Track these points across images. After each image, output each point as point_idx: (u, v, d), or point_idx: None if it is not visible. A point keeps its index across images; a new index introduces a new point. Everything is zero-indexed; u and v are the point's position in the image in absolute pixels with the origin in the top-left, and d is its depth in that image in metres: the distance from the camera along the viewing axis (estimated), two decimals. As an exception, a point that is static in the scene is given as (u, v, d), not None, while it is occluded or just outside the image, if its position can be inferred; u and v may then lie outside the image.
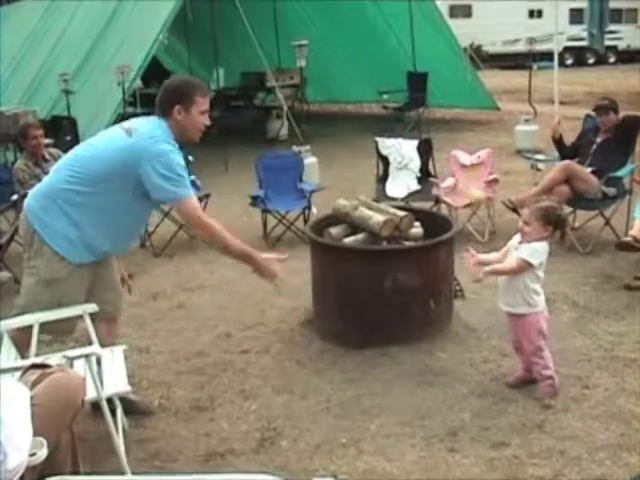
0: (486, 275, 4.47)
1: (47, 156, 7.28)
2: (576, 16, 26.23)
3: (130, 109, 11.29)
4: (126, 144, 3.94)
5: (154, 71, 15.33)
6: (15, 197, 6.86)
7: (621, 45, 30.53)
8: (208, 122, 4.17)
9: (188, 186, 4.00)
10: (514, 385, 4.61)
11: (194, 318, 5.96)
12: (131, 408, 4.40)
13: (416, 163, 8.20)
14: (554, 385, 4.49)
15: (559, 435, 4.09)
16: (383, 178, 8.28)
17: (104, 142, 4.08)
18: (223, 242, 4.03)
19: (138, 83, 12.50)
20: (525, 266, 4.35)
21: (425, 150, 8.26)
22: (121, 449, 3.72)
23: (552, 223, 4.37)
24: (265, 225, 7.92)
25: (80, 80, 11.23)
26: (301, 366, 5.03)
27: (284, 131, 13.68)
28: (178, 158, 3.95)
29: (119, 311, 4.54)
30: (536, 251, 4.35)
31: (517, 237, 4.51)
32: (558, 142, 7.68)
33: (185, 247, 7.77)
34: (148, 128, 4.00)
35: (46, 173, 7.03)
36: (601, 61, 29.10)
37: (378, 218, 5.38)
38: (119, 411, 4.11)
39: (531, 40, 15.56)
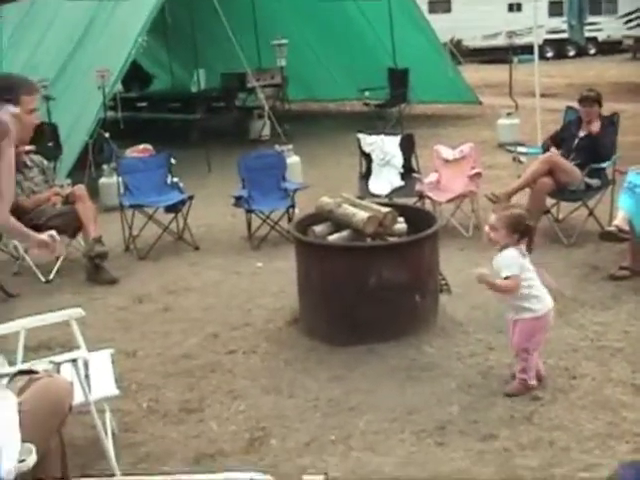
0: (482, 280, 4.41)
1: (29, 163, 7.25)
2: (555, 8, 26.34)
3: (111, 113, 11.25)
4: None
5: (135, 75, 15.31)
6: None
7: (601, 36, 30.60)
8: (37, 121, 3.96)
9: None
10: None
11: (180, 320, 5.94)
12: None
13: (399, 159, 8.21)
14: (525, 387, 4.45)
15: (548, 426, 4.11)
16: (366, 175, 8.29)
17: None
18: None
19: (119, 87, 12.44)
20: (512, 283, 4.30)
21: (407, 146, 8.27)
22: (111, 453, 3.72)
23: (518, 232, 4.35)
24: (249, 225, 7.90)
25: (60, 85, 11.16)
26: (288, 365, 5.03)
27: (266, 131, 13.65)
28: None
29: None
30: (508, 260, 4.31)
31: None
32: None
33: (169, 250, 7.75)
34: None
35: (27, 180, 7.09)
36: (581, 53, 29.16)
37: (362, 215, 5.38)
38: (108, 415, 4.10)
39: (511, 34, 15.65)
